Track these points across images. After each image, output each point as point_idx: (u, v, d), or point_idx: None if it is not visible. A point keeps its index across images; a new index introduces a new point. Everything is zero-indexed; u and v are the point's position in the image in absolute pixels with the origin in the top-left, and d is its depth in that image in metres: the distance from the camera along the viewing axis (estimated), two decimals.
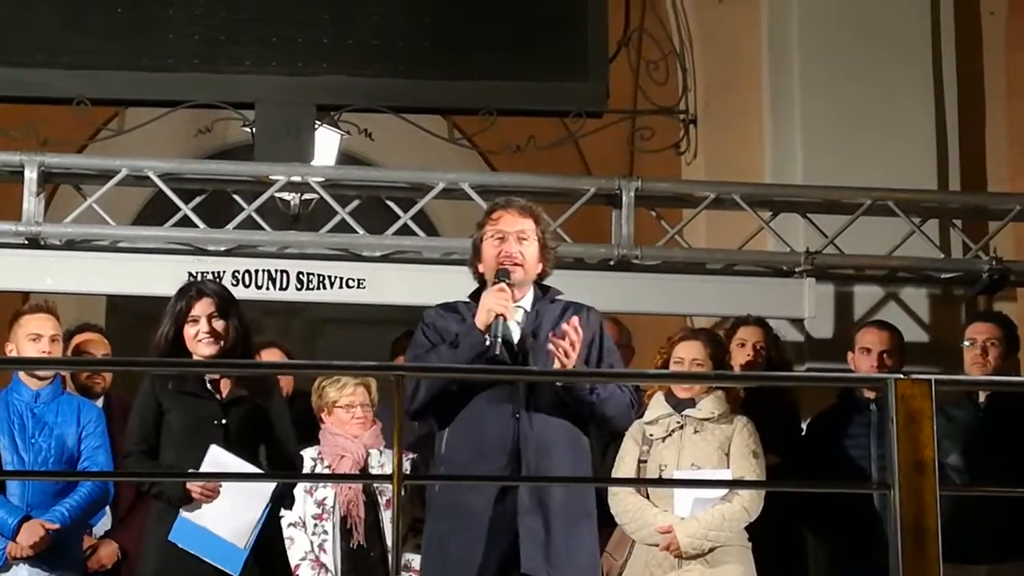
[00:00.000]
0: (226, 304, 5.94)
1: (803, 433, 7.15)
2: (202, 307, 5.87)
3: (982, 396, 6.80)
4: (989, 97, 8.69)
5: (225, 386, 5.90)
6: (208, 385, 5.89)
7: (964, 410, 6.79)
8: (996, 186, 8.58)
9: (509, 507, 5.06)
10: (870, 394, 6.80)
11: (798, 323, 8.06)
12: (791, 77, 8.52)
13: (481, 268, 5.35)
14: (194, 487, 5.68)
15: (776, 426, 6.83)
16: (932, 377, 4.25)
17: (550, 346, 5.08)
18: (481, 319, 5.13)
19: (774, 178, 8.52)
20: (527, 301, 5.30)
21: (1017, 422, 6.66)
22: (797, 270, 7.94)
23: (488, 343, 5.09)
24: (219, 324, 5.86)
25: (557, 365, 5.07)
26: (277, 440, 5.90)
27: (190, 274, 7.56)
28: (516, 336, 5.21)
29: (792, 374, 6.93)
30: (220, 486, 5.70)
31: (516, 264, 5.24)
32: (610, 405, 5.25)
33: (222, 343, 5.84)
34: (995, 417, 6.73)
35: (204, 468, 5.67)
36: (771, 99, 8.70)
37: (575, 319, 5.12)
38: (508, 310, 5.14)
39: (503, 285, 5.18)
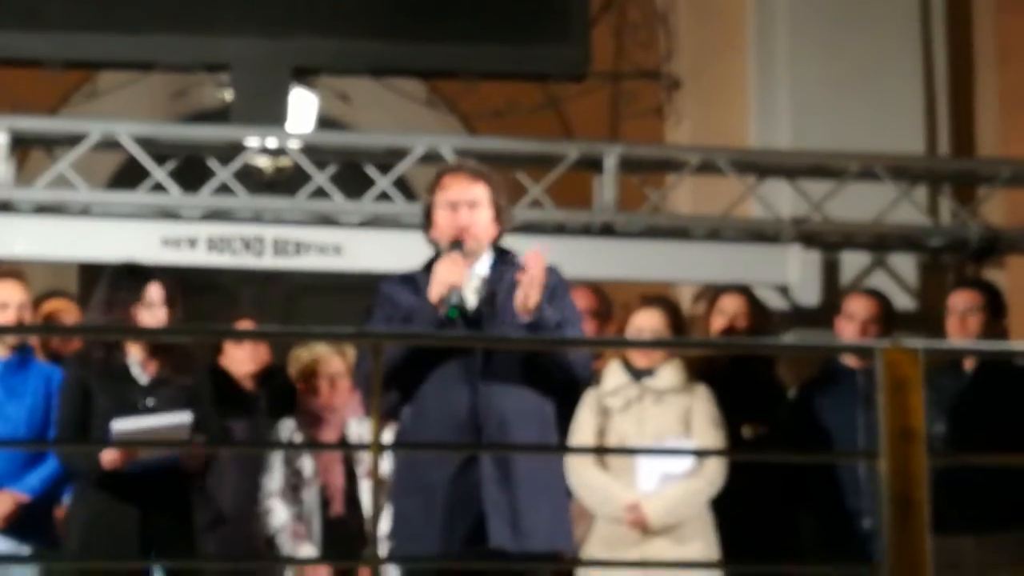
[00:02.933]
0: (174, 290, 6.06)
1: (788, 402, 7.04)
2: (152, 293, 6.00)
3: (968, 364, 6.72)
4: (979, 61, 8.62)
5: (151, 368, 6.01)
6: (133, 367, 6.01)
7: (950, 378, 6.70)
8: (985, 151, 8.52)
9: (472, 481, 4.96)
10: (854, 362, 6.71)
11: (784, 290, 7.98)
12: (778, 40, 8.44)
13: (434, 235, 5.23)
14: (105, 455, 5.79)
15: (761, 396, 6.75)
16: (920, 345, 4.15)
17: (518, 273, 4.98)
18: (434, 292, 5.01)
19: (760, 143, 8.43)
20: (484, 266, 5.18)
21: (1003, 390, 6.59)
22: (783, 236, 7.85)
23: (442, 316, 4.99)
24: (162, 312, 5.99)
25: (521, 299, 4.95)
26: (202, 418, 5.94)
27: (164, 240, 7.51)
28: (473, 304, 5.09)
29: (779, 342, 6.84)
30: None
31: (467, 236, 5.12)
32: (579, 361, 5.19)
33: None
34: (981, 385, 6.64)
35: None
36: (757, 63, 8.60)
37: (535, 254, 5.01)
38: (460, 280, 5.02)
39: (455, 255, 5.07)
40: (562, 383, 5.20)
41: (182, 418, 5.84)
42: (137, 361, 6.03)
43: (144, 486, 5.87)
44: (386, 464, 5.89)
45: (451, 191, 5.17)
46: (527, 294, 4.96)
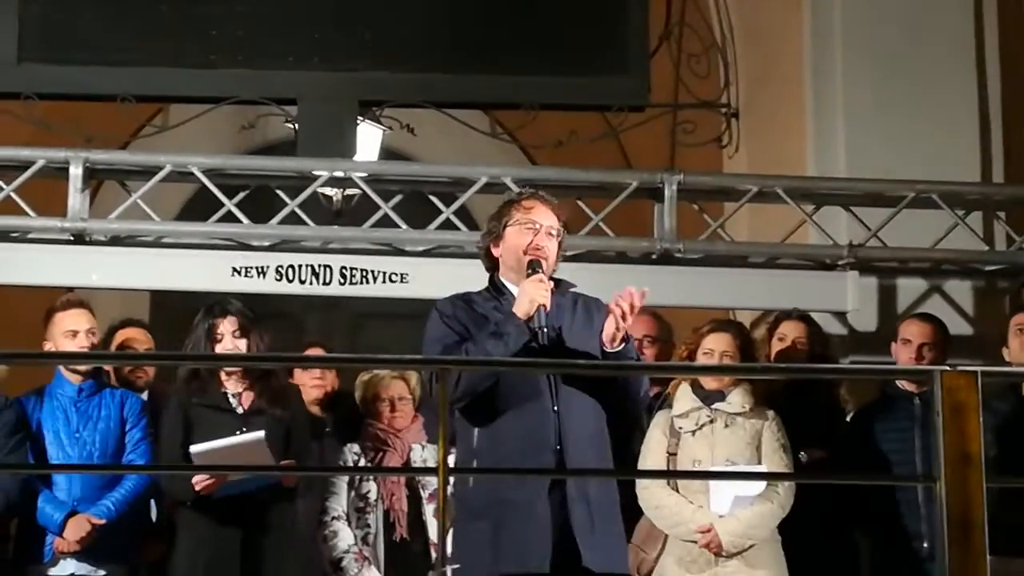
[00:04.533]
0: (248, 323, 6.39)
1: (847, 427, 7.11)
2: (226, 326, 6.37)
3: None
4: None
5: (247, 399, 6.40)
6: (230, 399, 6.40)
7: (1006, 402, 6.76)
8: None
9: (558, 501, 5.02)
10: (911, 387, 6.78)
11: (841, 316, 8.03)
12: (833, 69, 8.49)
13: (497, 252, 5.29)
14: (195, 479, 6.13)
15: (820, 421, 6.83)
16: (978, 369, 4.23)
17: (612, 306, 5.03)
18: (523, 309, 5.05)
19: (816, 171, 8.47)
20: None
21: None
22: (840, 263, 7.92)
23: (534, 333, 5.04)
24: (241, 343, 6.35)
25: (610, 328, 5.02)
26: (293, 452, 6.32)
27: (234, 269, 7.63)
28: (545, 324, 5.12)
29: (837, 367, 6.90)
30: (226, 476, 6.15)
31: (544, 258, 5.19)
32: (642, 384, 5.30)
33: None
34: None
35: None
36: (813, 92, 8.66)
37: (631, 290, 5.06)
38: (548, 300, 5.08)
39: (542, 275, 5.12)
40: (625, 408, 5.30)
41: (255, 435, 6.07)
42: (233, 392, 6.40)
43: (245, 508, 6.22)
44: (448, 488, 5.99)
45: (534, 214, 5.24)
46: (619, 326, 5.02)
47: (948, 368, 4.27)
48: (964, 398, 4.19)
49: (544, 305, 5.06)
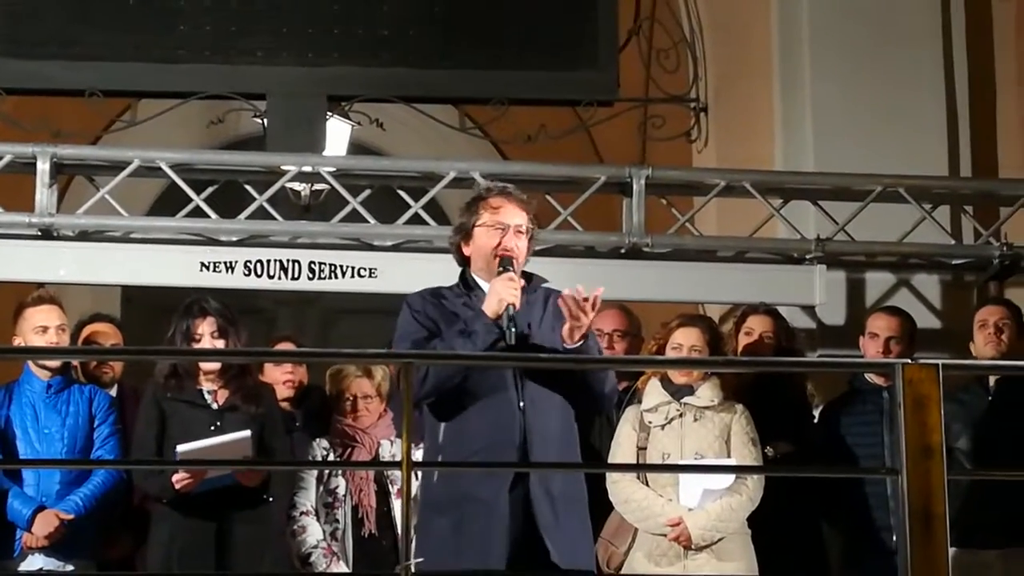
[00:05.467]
0: (226, 323, 6.43)
1: (815, 421, 7.14)
2: (204, 327, 6.41)
3: (992, 380, 6.82)
4: (1000, 82, 8.67)
5: (222, 396, 6.44)
6: (205, 395, 6.44)
7: (974, 394, 6.82)
8: (1007, 172, 8.55)
9: (521, 496, 5.05)
10: (879, 380, 6.81)
11: (810, 310, 8.06)
12: (802, 64, 8.51)
13: (467, 251, 5.31)
14: (176, 478, 6.17)
15: (787, 414, 6.85)
16: (939, 362, 4.27)
17: (559, 302, 5.04)
18: (492, 308, 5.08)
19: (785, 165, 8.52)
20: None
21: None
22: (808, 257, 7.94)
23: (503, 332, 5.06)
24: (220, 343, 6.38)
25: (567, 329, 5.04)
26: (266, 448, 6.35)
27: (202, 264, 7.62)
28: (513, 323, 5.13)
29: (799, 360, 6.92)
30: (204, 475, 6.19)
31: (514, 258, 5.19)
32: (608, 381, 5.29)
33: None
34: (1005, 401, 6.75)
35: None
36: (782, 86, 8.69)
37: (580, 289, 5.07)
38: (517, 299, 5.10)
39: (512, 274, 5.14)
40: (591, 405, 5.33)
41: (242, 434, 6.12)
42: (208, 390, 6.45)
43: (218, 504, 6.27)
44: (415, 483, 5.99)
45: (502, 213, 5.26)
46: (580, 325, 5.04)
47: (909, 361, 4.29)
48: (926, 391, 4.23)
49: (513, 304, 5.08)
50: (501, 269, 5.16)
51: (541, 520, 5.03)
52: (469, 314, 5.15)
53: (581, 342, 5.07)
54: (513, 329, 5.06)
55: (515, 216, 5.26)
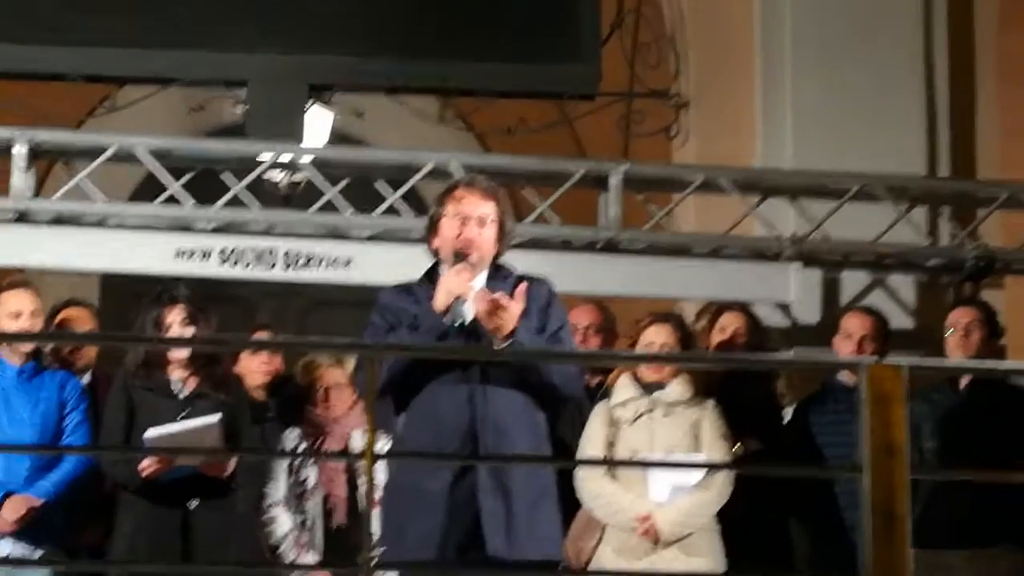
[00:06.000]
0: (196, 311, 6.43)
1: (787, 419, 7.15)
2: (174, 314, 6.41)
3: (963, 381, 6.83)
4: (980, 82, 8.67)
5: (190, 384, 6.45)
6: (173, 384, 6.45)
7: (945, 395, 6.81)
8: (986, 173, 8.56)
9: (467, 488, 5.05)
10: (851, 379, 6.81)
11: (784, 308, 8.05)
12: (783, 62, 8.50)
13: (436, 244, 5.31)
14: (142, 464, 6.17)
15: (757, 412, 6.86)
16: (905, 361, 4.26)
17: (478, 315, 5.06)
18: (440, 301, 5.10)
19: (765, 163, 8.49)
20: (480, 281, 5.24)
21: (997, 407, 6.70)
22: (783, 255, 7.93)
23: (447, 325, 5.08)
24: (189, 331, 6.40)
25: (488, 327, 5.04)
26: (234, 436, 6.35)
27: (177, 251, 7.60)
28: (469, 317, 5.15)
29: (770, 357, 6.93)
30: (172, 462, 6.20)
31: (473, 250, 5.19)
32: (562, 376, 5.26)
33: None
34: (975, 402, 6.75)
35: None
36: (762, 83, 8.67)
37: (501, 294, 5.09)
38: (467, 291, 5.11)
39: (462, 266, 5.14)
40: (547, 396, 5.30)
41: (211, 419, 6.12)
42: (177, 378, 6.45)
43: (185, 491, 6.29)
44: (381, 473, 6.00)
45: (463, 204, 5.25)
46: (504, 323, 5.04)
47: (875, 360, 4.30)
48: (890, 390, 4.22)
49: (462, 296, 5.09)
50: (455, 261, 5.17)
51: (486, 512, 5.03)
52: (420, 309, 5.17)
53: (509, 341, 5.05)
54: (457, 323, 5.08)
55: (478, 206, 5.26)
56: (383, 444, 5.82)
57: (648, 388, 6.43)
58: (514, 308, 5.05)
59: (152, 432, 6.12)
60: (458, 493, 5.04)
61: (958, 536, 6.54)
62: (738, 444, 6.57)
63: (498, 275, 5.29)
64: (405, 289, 5.33)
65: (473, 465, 5.06)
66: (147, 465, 6.19)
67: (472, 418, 5.08)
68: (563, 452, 6.43)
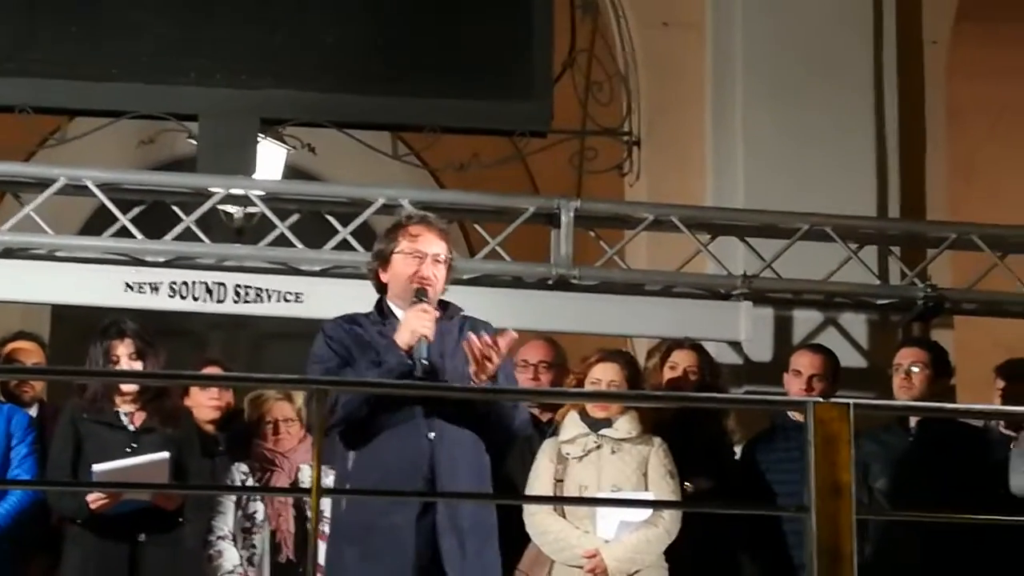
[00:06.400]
0: (144, 346, 6.41)
1: (736, 457, 7.15)
2: (123, 348, 6.39)
3: (913, 421, 6.85)
4: (930, 125, 8.77)
5: (138, 418, 6.43)
6: (122, 417, 6.41)
7: (894, 435, 6.84)
8: (935, 214, 8.64)
9: (428, 526, 5.02)
10: (801, 417, 6.80)
11: (736, 346, 8.09)
12: (734, 101, 8.57)
13: (385, 278, 5.28)
14: (91, 498, 6.13)
15: (706, 450, 6.86)
16: (850, 401, 4.28)
17: (465, 347, 5.01)
18: (404, 339, 5.06)
19: (716, 201, 8.55)
20: None
21: (946, 447, 6.72)
22: (735, 293, 7.97)
23: (413, 364, 5.04)
24: (137, 365, 6.36)
25: (472, 371, 5.01)
26: (183, 470, 6.33)
27: (127, 284, 7.56)
28: (425, 356, 5.11)
29: (716, 395, 6.93)
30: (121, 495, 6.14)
31: (430, 287, 5.18)
32: (519, 418, 5.27)
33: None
34: (924, 442, 6.77)
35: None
36: (714, 122, 8.75)
37: (494, 336, 5.05)
38: (431, 331, 5.08)
39: (426, 306, 5.11)
40: (500, 438, 5.30)
41: (160, 456, 6.09)
42: (125, 411, 6.43)
43: (132, 525, 6.24)
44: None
45: (419, 242, 5.23)
46: (486, 369, 5.00)
47: (820, 399, 4.31)
48: (836, 430, 4.25)
49: (426, 336, 5.06)
50: (416, 300, 5.14)
51: (445, 551, 5.01)
52: (382, 343, 5.12)
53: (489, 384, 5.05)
54: (425, 361, 5.04)
55: (434, 245, 5.24)
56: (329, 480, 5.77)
57: (595, 425, 6.43)
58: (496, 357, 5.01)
59: (100, 467, 6.08)
60: (420, 530, 5.01)
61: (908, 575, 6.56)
62: (687, 483, 6.57)
63: (445, 314, 5.27)
64: (352, 320, 5.29)
65: (433, 503, 5.03)
66: (96, 498, 6.14)
67: (430, 454, 5.05)
68: (511, 488, 6.43)
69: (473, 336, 5.01)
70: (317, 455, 4.32)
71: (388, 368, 5.03)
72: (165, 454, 6.18)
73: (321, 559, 6.09)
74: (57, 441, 6.44)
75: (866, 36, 8.56)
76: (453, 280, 5.39)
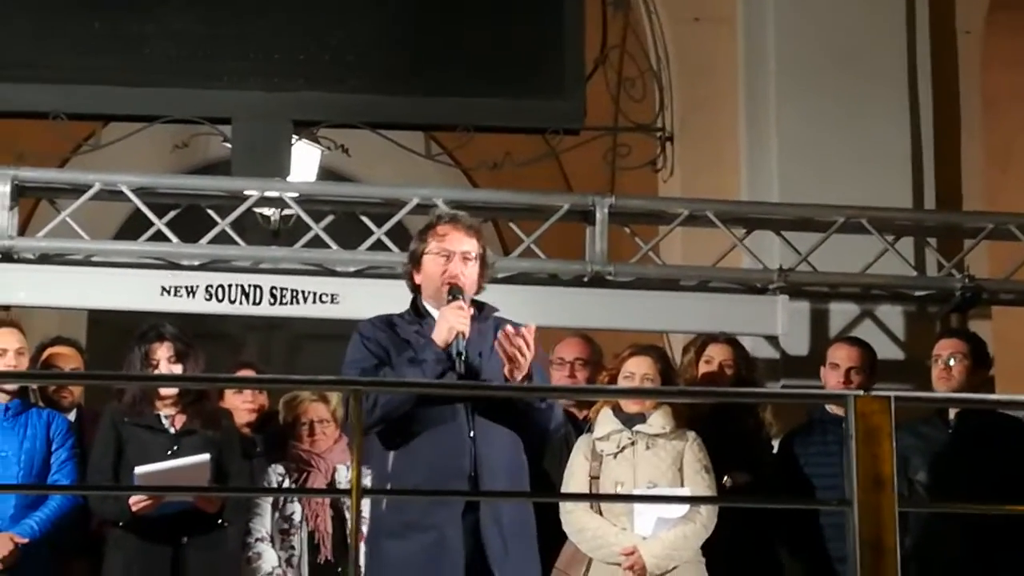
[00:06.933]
0: (184, 348, 6.44)
1: (774, 451, 7.13)
2: (161, 352, 6.41)
3: (952, 413, 6.82)
4: (964, 115, 8.73)
5: (179, 421, 6.45)
6: (163, 420, 6.44)
7: (934, 427, 6.81)
8: (971, 204, 8.61)
9: (471, 524, 5.04)
10: (839, 411, 6.79)
11: (773, 340, 8.06)
12: (767, 94, 8.55)
13: (418, 279, 5.31)
14: (133, 500, 6.16)
15: (743, 444, 6.85)
16: (891, 394, 4.26)
17: (497, 348, 5.03)
18: (441, 336, 5.07)
19: (750, 195, 8.53)
20: None
21: (986, 439, 6.68)
22: (771, 287, 7.93)
23: (452, 361, 5.05)
24: (177, 368, 6.39)
25: (507, 370, 5.02)
26: (223, 472, 6.36)
27: (163, 288, 7.59)
28: (463, 351, 5.12)
29: (756, 390, 6.92)
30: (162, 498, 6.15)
31: (461, 285, 5.19)
32: (555, 420, 5.27)
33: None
34: (964, 434, 6.74)
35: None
36: (747, 116, 8.73)
37: (519, 328, 5.05)
38: (467, 328, 5.09)
39: (461, 303, 5.13)
40: (536, 439, 5.30)
41: (201, 458, 6.10)
42: (166, 414, 6.45)
43: (174, 528, 6.27)
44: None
45: (447, 241, 5.25)
46: (518, 365, 5.01)
47: (862, 393, 4.29)
48: (877, 422, 4.22)
49: (463, 332, 5.06)
50: (450, 297, 5.15)
51: (490, 550, 5.02)
52: (420, 342, 5.13)
53: (528, 381, 5.06)
54: (463, 358, 5.05)
55: (462, 243, 5.26)
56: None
57: (629, 420, 6.41)
58: (532, 352, 5.02)
59: (142, 469, 6.09)
60: (465, 528, 5.03)
61: (949, 569, 6.52)
62: (726, 478, 6.55)
63: (480, 314, 5.29)
64: (387, 321, 5.31)
65: (475, 503, 5.04)
66: (138, 500, 6.15)
67: (473, 454, 5.06)
68: (547, 485, 6.43)
69: (502, 335, 5.01)
70: (357, 456, 4.32)
71: (427, 365, 5.05)
72: (206, 456, 6.20)
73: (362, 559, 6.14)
74: (98, 445, 6.46)
75: (899, 27, 8.53)
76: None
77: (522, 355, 4.99)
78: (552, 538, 6.14)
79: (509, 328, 5.03)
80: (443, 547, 4.99)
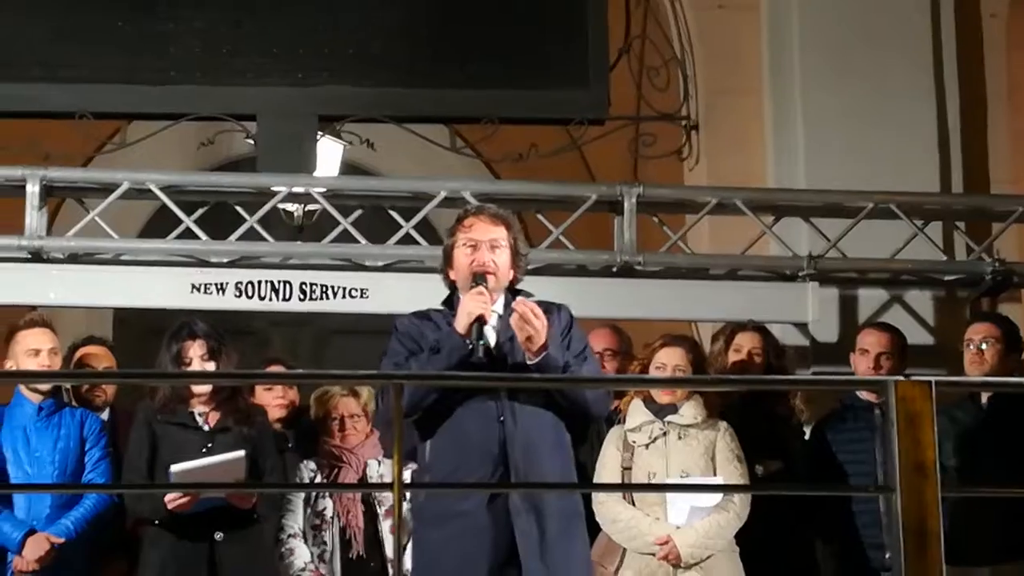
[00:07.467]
0: (217, 345, 6.41)
1: (806, 438, 7.12)
2: (194, 350, 6.38)
3: (984, 397, 6.81)
4: (991, 99, 8.70)
5: (213, 418, 6.43)
6: (196, 417, 6.42)
7: (966, 411, 6.80)
8: (999, 188, 8.58)
9: (501, 509, 5.05)
10: (871, 397, 6.79)
11: (803, 327, 8.05)
12: (792, 81, 8.53)
13: (453, 275, 5.33)
14: (169, 497, 6.14)
15: (775, 432, 6.84)
16: (932, 379, 4.23)
17: (511, 322, 5.07)
18: (461, 323, 5.10)
19: (777, 182, 8.52)
20: (499, 307, 5.26)
21: (1019, 422, 6.66)
22: (800, 274, 7.92)
23: (470, 347, 5.08)
24: (210, 366, 6.36)
25: (521, 337, 5.06)
26: (258, 469, 6.34)
27: (193, 286, 7.60)
28: (492, 340, 5.17)
29: (793, 377, 6.91)
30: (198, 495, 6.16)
31: (489, 272, 5.21)
32: (592, 394, 5.28)
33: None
34: (997, 417, 6.73)
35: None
36: (772, 103, 8.71)
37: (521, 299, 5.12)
38: (488, 312, 5.12)
39: (481, 288, 5.15)
40: (577, 417, 5.30)
41: (236, 454, 6.12)
42: (200, 412, 6.44)
43: (209, 524, 6.25)
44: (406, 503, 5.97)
45: (473, 231, 5.28)
46: (530, 335, 5.06)
47: (902, 378, 4.27)
48: (919, 408, 4.19)
49: (482, 317, 5.08)
50: (473, 284, 5.18)
51: (521, 533, 5.03)
52: (440, 334, 5.17)
53: (542, 355, 5.08)
54: (482, 343, 5.07)
55: (488, 232, 5.28)
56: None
57: (660, 411, 6.41)
58: (542, 320, 5.05)
59: (178, 467, 6.10)
60: (492, 513, 5.04)
61: (983, 551, 6.51)
62: (758, 466, 6.54)
63: (515, 300, 5.27)
64: (423, 316, 5.34)
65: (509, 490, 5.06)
66: (174, 497, 6.16)
67: (502, 439, 5.08)
68: (581, 475, 6.42)
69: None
70: (397, 449, 4.31)
71: (446, 352, 5.08)
72: (241, 452, 6.19)
73: (390, 552, 6.16)
74: (133, 443, 6.45)
75: (924, 11, 8.50)
76: None
77: (529, 324, 5.02)
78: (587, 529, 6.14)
79: (515, 304, 5.07)
80: (473, 532, 5.02)
